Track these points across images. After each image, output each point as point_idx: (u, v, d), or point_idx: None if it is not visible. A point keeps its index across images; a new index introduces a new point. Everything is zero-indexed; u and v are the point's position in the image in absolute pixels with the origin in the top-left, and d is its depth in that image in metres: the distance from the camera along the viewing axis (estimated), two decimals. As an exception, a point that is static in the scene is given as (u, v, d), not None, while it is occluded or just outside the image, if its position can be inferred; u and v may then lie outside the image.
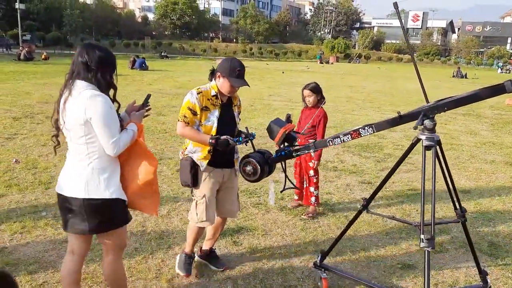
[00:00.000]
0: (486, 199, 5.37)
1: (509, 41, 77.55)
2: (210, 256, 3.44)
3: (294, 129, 2.90)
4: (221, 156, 3.06)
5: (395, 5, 2.68)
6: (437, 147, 2.59)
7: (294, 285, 3.23)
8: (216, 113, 3.03)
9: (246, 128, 3.17)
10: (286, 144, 2.86)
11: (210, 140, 2.92)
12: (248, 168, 2.79)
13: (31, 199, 4.58)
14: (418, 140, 2.65)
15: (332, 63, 50.02)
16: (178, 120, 3.01)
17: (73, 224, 2.38)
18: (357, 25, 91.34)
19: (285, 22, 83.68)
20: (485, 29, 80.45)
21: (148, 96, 2.70)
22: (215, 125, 3.02)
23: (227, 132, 3.00)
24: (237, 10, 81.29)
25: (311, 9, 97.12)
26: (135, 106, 2.61)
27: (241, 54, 57.45)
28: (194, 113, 2.98)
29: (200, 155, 3.05)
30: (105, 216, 2.37)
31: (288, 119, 2.89)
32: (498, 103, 16.52)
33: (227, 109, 3.13)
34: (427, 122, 2.56)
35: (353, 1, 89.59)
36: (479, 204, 5.17)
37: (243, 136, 3.03)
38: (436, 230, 2.78)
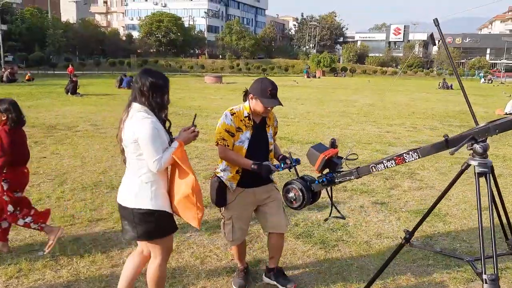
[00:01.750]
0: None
1: (488, 51, 79.27)
2: (277, 275, 3.35)
3: (335, 155, 2.72)
4: (251, 176, 3.01)
5: (435, 21, 2.50)
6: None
7: (327, 327, 2.92)
8: (248, 134, 3.03)
9: (289, 153, 3.07)
10: (329, 170, 2.71)
11: (253, 166, 2.90)
12: (290, 194, 2.74)
13: (26, 236, 4.20)
14: (468, 165, 2.41)
15: (319, 77, 50.30)
16: (217, 144, 3.00)
17: (126, 231, 2.68)
18: (341, 39, 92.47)
19: (270, 37, 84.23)
20: (464, 40, 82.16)
21: (195, 116, 2.81)
22: (246, 146, 3.02)
23: (258, 153, 3.01)
24: (222, 26, 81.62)
25: (295, 25, 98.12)
26: (187, 127, 2.73)
27: (228, 70, 57.50)
28: (232, 135, 3.00)
29: (229, 174, 3.06)
30: (151, 225, 2.60)
31: (333, 144, 2.75)
32: (487, 113, 16.58)
33: (260, 130, 3.10)
34: (477, 147, 2.33)
35: (336, 16, 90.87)
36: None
37: (288, 161, 2.95)
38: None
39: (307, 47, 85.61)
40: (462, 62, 75.02)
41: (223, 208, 3.16)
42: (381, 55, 78.95)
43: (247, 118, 3.03)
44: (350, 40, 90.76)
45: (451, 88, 33.42)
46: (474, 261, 2.50)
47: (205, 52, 74.19)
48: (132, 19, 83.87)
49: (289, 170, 2.99)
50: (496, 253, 2.20)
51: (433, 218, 5.02)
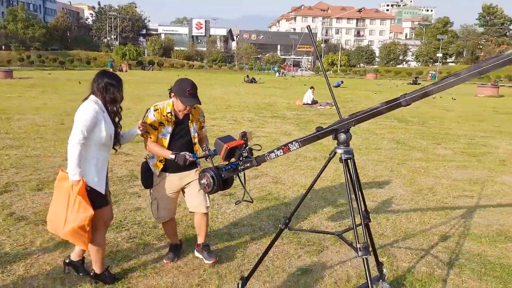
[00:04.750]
0: (328, 193, 6.04)
1: (279, 47, 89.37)
2: (203, 250, 3.80)
3: (241, 145, 2.94)
4: (175, 164, 3.35)
5: (308, 28, 2.79)
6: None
7: (216, 321, 3.01)
8: (169, 129, 3.41)
9: (206, 144, 3.30)
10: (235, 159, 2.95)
11: (171, 156, 3.31)
12: (203, 181, 2.95)
13: None
14: (335, 153, 2.78)
15: (126, 71, 48.49)
16: (142, 136, 3.43)
17: None
18: (144, 31, 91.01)
19: (64, 27, 77.04)
20: (259, 37, 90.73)
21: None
22: (168, 138, 3.41)
23: (179, 146, 3.42)
24: (3, 13, 70.87)
25: (92, 14, 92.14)
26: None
27: (17, 63, 50.53)
28: (155, 128, 3.40)
29: (154, 161, 3.51)
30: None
31: (243, 137, 2.97)
32: (289, 103, 18.89)
33: (183, 125, 3.47)
34: (340, 137, 2.71)
35: (136, 7, 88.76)
36: (324, 198, 5.80)
37: (207, 152, 3.20)
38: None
39: (109, 38, 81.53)
40: (259, 57, 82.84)
41: (151, 190, 3.59)
42: (186, 49, 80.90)
43: (169, 114, 3.39)
44: (154, 32, 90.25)
45: (255, 81, 36.68)
46: (342, 234, 2.94)
47: (-16, 42, 63.35)
48: None
49: (206, 159, 3.25)
50: (365, 224, 2.62)
51: (276, 202, 5.57)
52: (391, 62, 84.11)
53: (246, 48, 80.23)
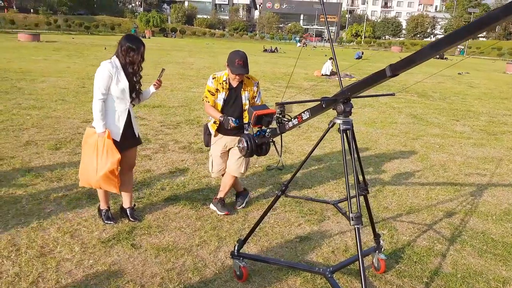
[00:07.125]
0: (337, 165, 6.06)
1: (301, 17, 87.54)
2: (219, 202, 4.21)
3: (271, 114, 3.03)
4: (225, 127, 3.87)
5: (321, 0, 2.76)
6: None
7: (213, 279, 3.12)
8: (223, 95, 3.90)
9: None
10: (267, 126, 3.09)
11: (220, 118, 3.83)
12: (240, 144, 3.16)
13: None
14: (334, 123, 2.77)
15: (149, 37, 48.44)
16: (203, 100, 4.01)
17: None
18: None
19: (90, -9, 76.97)
20: (282, 6, 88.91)
21: (162, 70, 3.95)
22: (221, 103, 3.92)
23: (231, 110, 3.92)
24: (30, -24, 71.07)
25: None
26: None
27: (44, 27, 51.02)
28: (212, 94, 3.92)
29: (211, 123, 4.06)
30: None
31: (280, 107, 3.01)
32: (307, 74, 18.66)
33: (236, 92, 3.93)
34: (339, 107, 2.68)
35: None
36: (331, 170, 5.81)
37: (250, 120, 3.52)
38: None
39: (133, 4, 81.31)
40: (281, 27, 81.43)
41: (209, 148, 4.19)
42: (208, 17, 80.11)
43: (224, 81, 3.87)
44: (178, 0, 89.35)
45: (277, 51, 36.21)
46: (337, 203, 2.97)
47: (13, 5, 63.92)
48: None
49: (247, 127, 3.94)
50: (361, 195, 2.64)
51: (283, 171, 5.60)
52: (418, 35, 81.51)
53: (268, 17, 78.85)
